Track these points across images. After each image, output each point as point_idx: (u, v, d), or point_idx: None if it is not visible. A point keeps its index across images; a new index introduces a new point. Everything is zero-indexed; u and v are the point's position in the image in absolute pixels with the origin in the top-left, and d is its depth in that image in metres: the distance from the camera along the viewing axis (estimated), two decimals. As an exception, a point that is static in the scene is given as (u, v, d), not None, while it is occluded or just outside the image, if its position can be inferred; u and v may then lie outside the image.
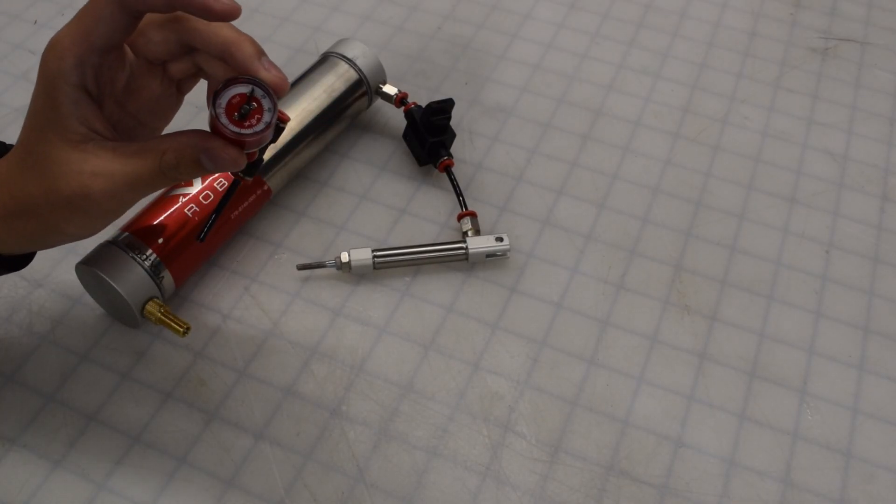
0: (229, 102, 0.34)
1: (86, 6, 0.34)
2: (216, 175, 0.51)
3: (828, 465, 0.46)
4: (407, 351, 0.50)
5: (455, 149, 0.60)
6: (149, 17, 0.36)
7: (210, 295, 0.52)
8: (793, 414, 0.48)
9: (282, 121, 0.36)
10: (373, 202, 0.58)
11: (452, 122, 0.58)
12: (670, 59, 0.68)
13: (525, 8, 0.72)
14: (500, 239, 0.53)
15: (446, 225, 0.56)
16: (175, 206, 0.50)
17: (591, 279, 0.54)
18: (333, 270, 0.53)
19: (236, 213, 0.52)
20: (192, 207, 0.50)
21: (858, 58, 0.68)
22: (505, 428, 0.47)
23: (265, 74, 0.35)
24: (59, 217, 0.36)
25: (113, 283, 0.46)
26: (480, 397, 0.48)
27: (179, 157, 0.36)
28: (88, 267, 0.47)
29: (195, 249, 0.50)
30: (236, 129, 0.34)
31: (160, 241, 0.48)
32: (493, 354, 0.50)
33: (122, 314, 0.49)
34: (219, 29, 0.35)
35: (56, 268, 0.53)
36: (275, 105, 0.35)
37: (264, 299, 0.52)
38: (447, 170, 0.57)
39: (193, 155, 0.36)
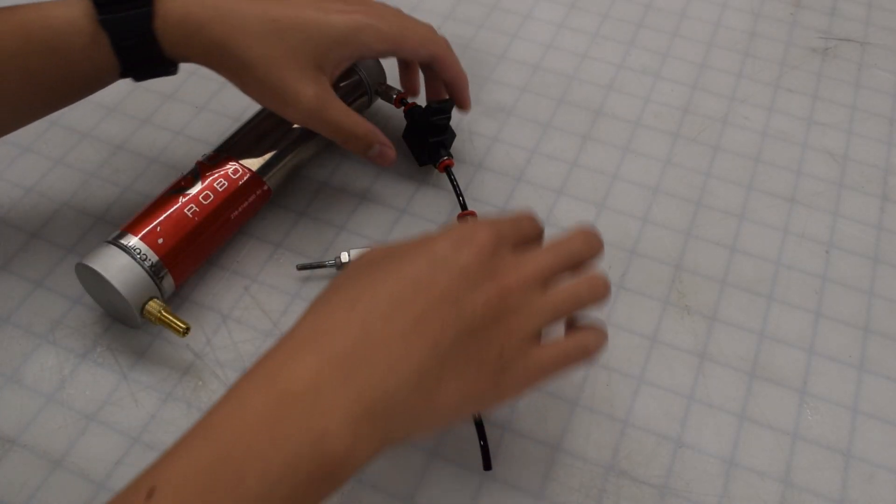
0: None
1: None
2: (216, 175, 0.51)
3: (828, 465, 0.46)
4: (407, 351, 0.50)
5: (455, 149, 0.60)
6: None
7: (210, 295, 0.52)
8: (793, 414, 0.48)
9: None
10: (373, 202, 0.58)
11: (452, 122, 0.58)
12: (670, 59, 0.68)
13: (525, 8, 0.72)
14: None
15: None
16: (175, 207, 0.50)
17: (591, 279, 0.54)
18: (333, 270, 0.53)
19: (236, 213, 0.52)
20: (191, 207, 0.50)
21: (858, 58, 0.68)
22: (505, 428, 0.47)
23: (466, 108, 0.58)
24: (264, 87, 0.49)
25: (112, 283, 0.46)
26: (480, 397, 0.48)
27: (366, 132, 0.52)
28: (88, 266, 0.47)
29: (195, 249, 0.50)
30: None
31: (160, 241, 0.48)
32: (493, 354, 0.50)
33: (122, 314, 0.49)
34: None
35: (56, 268, 0.53)
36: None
37: (264, 299, 0.52)
38: (447, 170, 0.57)
39: (372, 140, 0.52)
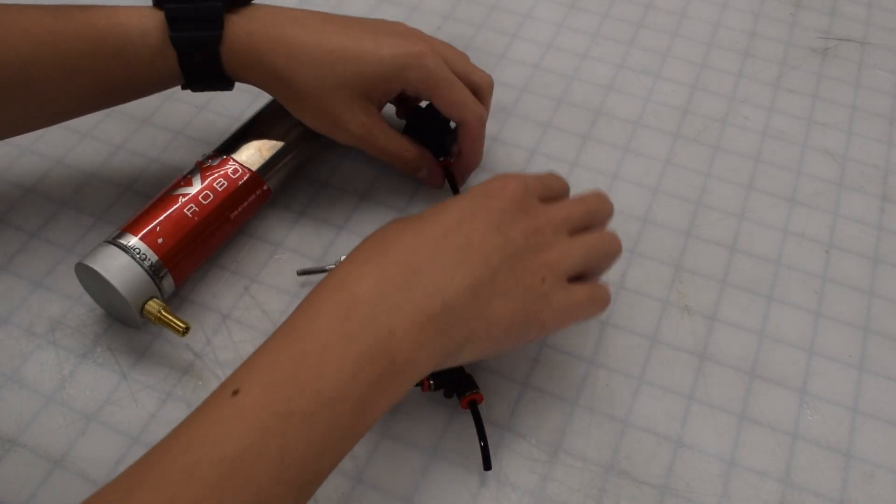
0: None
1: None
2: (216, 175, 0.51)
3: (828, 465, 0.46)
4: (407, 351, 0.50)
5: (455, 149, 0.60)
6: None
7: (210, 295, 0.52)
8: (793, 414, 0.48)
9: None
10: (373, 202, 0.58)
11: (452, 123, 0.58)
12: (670, 59, 0.68)
13: (525, 8, 0.72)
14: None
15: (446, 225, 0.56)
16: (175, 206, 0.50)
17: (591, 279, 0.54)
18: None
19: (236, 213, 0.52)
20: (191, 207, 0.50)
21: (858, 58, 0.68)
22: (505, 428, 0.47)
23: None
24: (315, 114, 0.52)
25: (112, 283, 0.46)
26: (480, 397, 0.48)
27: (414, 156, 0.55)
28: (87, 266, 0.47)
29: (194, 249, 0.50)
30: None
31: (159, 241, 0.48)
32: (493, 354, 0.50)
33: (121, 314, 0.49)
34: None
35: (56, 268, 0.53)
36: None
37: (264, 299, 0.52)
38: (446, 169, 0.57)
39: (420, 164, 0.56)
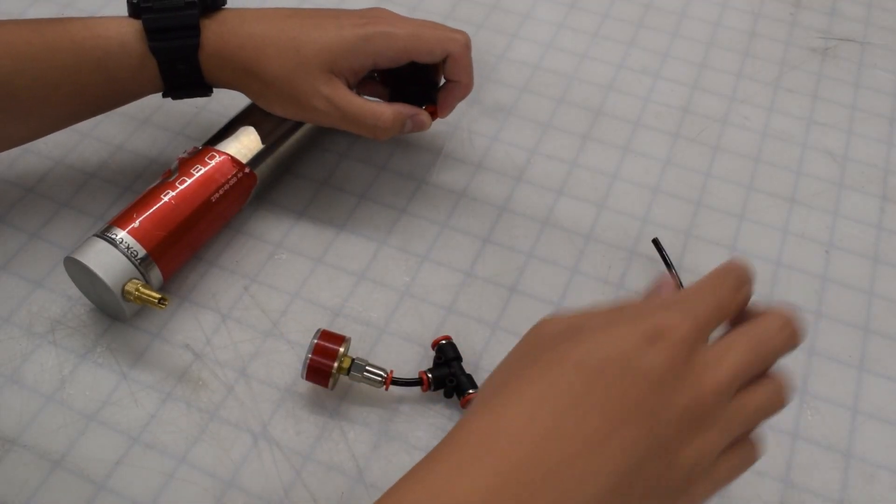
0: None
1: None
2: (192, 162, 0.52)
3: (828, 465, 0.46)
4: (407, 351, 0.50)
5: (455, 149, 0.60)
6: None
7: (209, 295, 0.52)
8: (793, 414, 0.48)
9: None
10: (373, 202, 0.58)
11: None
12: (670, 59, 0.68)
13: (525, 8, 0.72)
14: None
15: (446, 225, 0.56)
16: (151, 195, 0.51)
17: (591, 279, 0.54)
18: (332, 272, 0.53)
19: (217, 195, 0.52)
20: (167, 193, 0.51)
21: (858, 58, 0.68)
22: (505, 428, 0.47)
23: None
24: (282, 99, 0.51)
25: (90, 266, 0.47)
26: (480, 397, 0.48)
27: (393, 115, 0.52)
28: (70, 258, 0.48)
29: (174, 231, 0.50)
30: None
31: (135, 224, 0.49)
32: (493, 354, 0.50)
33: (107, 304, 0.50)
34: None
35: (56, 268, 0.53)
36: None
37: (264, 299, 0.52)
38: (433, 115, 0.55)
39: (401, 120, 0.53)
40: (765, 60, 0.68)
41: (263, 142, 0.55)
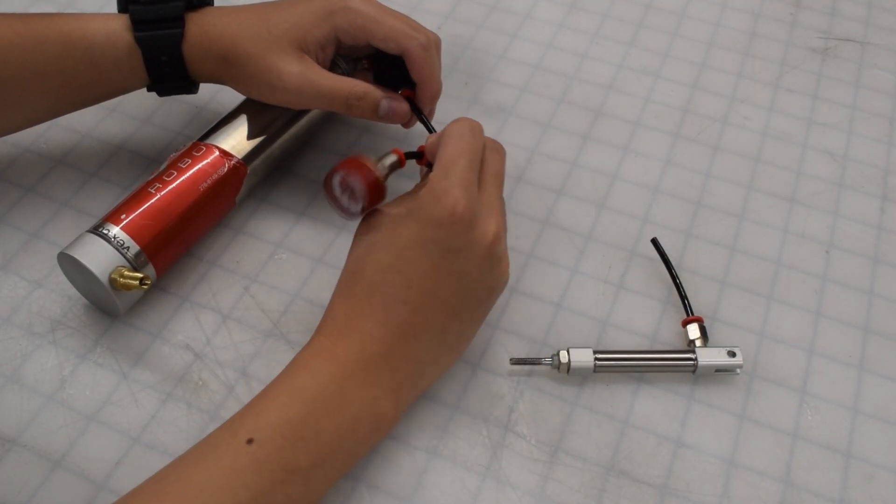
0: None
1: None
2: (180, 155, 0.53)
3: (828, 465, 0.46)
4: (407, 351, 0.50)
5: (455, 149, 0.60)
6: None
7: (210, 295, 0.52)
8: (793, 414, 0.48)
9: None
10: (373, 202, 0.58)
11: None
12: (670, 59, 0.68)
13: (525, 8, 0.72)
14: (732, 354, 0.49)
15: (446, 225, 0.56)
16: (138, 189, 0.51)
17: (591, 279, 0.54)
18: (332, 272, 0.53)
19: (205, 185, 0.52)
20: (154, 185, 0.51)
21: (858, 58, 0.68)
22: (505, 428, 0.47)
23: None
24: (255, 80, 0.51)
25: (78, 258, 0.47)
26: (480, 397, 0.48)
27: (367, 92, 0.51)
28: (62, 253, 0.48)
29: (163, 222, 0.50)
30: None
31: (123, 216, 0.49)
32: (493, 354, 0.50)
33: (100, 298, 0.50)
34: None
35: (56, 268, 0.53)
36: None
37: (264, 299, 0.52)
38: (410, 101, 0.53)
39: (378, 97, 0.51)
40: (765, 60, 0.68)
41: (254, 134, 0.55)
